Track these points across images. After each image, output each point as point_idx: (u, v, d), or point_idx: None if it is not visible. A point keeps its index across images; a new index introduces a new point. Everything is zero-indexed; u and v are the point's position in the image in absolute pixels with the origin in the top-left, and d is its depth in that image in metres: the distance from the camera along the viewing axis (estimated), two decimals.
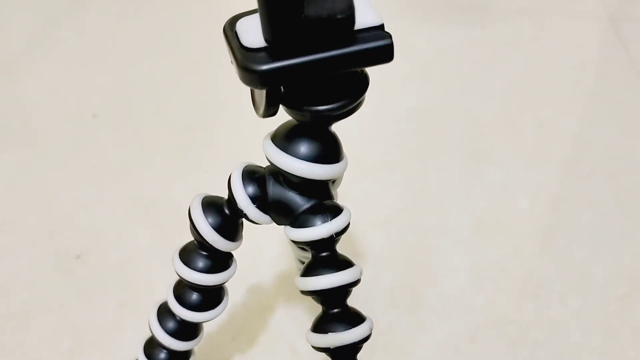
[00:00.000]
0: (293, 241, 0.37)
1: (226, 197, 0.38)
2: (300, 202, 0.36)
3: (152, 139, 0.72)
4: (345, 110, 0.32)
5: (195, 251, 0.39)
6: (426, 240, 0.60)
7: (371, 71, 0.32)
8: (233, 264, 0.40)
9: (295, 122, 0.34)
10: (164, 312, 0.42)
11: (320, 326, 0.36)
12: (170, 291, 0.41)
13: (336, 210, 0.35)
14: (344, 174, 0.37)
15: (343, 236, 0.36)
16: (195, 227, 0.38)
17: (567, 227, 0.61)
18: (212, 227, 0.37)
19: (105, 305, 0.57)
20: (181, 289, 0.41)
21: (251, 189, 0.36)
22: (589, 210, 0.62)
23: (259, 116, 0.32)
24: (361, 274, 0.36)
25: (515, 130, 0.71)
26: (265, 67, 0.28)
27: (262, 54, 0.29)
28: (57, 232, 0.63)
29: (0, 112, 0.77)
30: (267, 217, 0.37)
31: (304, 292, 0.36)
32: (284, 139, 0.34)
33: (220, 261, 0.39)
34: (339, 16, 0.28)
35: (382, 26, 0.29)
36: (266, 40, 0.29)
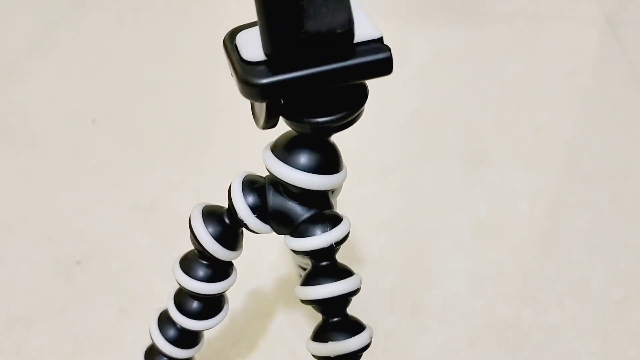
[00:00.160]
0: (293, 250, 0.37)
1: (226, 206, 0.38)
2: (300, 212, 0.36)
3: (152, 142, 0.72)
4: (344, 121, 0.32)
5: (195, 260, 0.39)
6: (425, 243, 0.61)
7: None
8: (233, 272, 0.41)
9: (295, 132, 0.34)
10: (164, 320, 0.42)
11: (320, 335, 0.36)
12: (171, 299, 0.42)
13: (336, 220, 0.36)
14: None
15: None
16: (195, 236, 0.38)
17: (566, 231, 0.61)
18: (212, 236, 0.37)
19: (106, 310, 0.57)
20: (182, 297, 0.41)
21: (251, 199, 0.36)
22: (587, 213, 0.63)
23: (259, 128, 0.33)
24: (361, 282, 0.37)
25: (514, 133, 0.71)
26: (265, 80, 0.28)
27: (262, 68, 0.29)
28: (57, 237, 0.63)
29: None
30: (267, 227, 0.37)
31: (304, 302, 0.36)
32: (283, 150, 0.34)
33: (221, 270, 0.40)
34: (338, 31, 0.28)
35: (381, 39, 0.30)
36: (266, 54, 0.29)
